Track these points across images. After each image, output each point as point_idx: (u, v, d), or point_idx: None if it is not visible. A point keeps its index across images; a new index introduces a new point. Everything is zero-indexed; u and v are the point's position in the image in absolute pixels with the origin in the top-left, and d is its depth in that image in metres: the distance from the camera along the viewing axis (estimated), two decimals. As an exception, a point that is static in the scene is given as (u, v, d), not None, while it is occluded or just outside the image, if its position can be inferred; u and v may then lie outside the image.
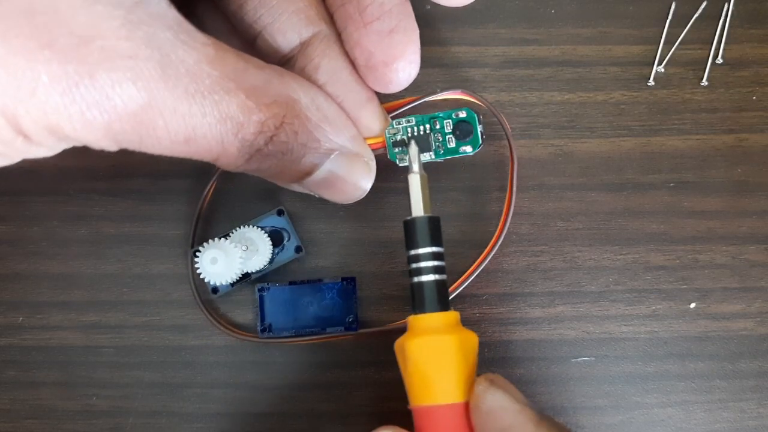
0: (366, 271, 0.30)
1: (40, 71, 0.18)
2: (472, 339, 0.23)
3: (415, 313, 0.24)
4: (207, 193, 0.29)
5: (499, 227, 0.28)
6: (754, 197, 0.30)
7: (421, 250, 0.24)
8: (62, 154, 0.30)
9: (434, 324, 0.23)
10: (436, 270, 0.24)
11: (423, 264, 0.24)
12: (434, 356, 0.23)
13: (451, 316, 0.24)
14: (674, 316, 0.30)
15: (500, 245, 0.30)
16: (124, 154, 0.30)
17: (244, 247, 0.28)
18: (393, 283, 0.30)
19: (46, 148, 0.20)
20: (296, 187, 0.25)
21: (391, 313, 0.29)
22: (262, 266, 0.28)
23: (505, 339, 0.29)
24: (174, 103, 0.19)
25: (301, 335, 0.29)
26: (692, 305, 0.30)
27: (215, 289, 0.29)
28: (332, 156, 0.23)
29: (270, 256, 0.28)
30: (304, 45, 0.24)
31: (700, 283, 0.30)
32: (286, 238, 0.29)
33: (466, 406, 0.22)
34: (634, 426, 0.29)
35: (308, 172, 0.23)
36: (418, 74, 0.30)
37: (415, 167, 0.24)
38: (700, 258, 0.30)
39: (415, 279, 0.24)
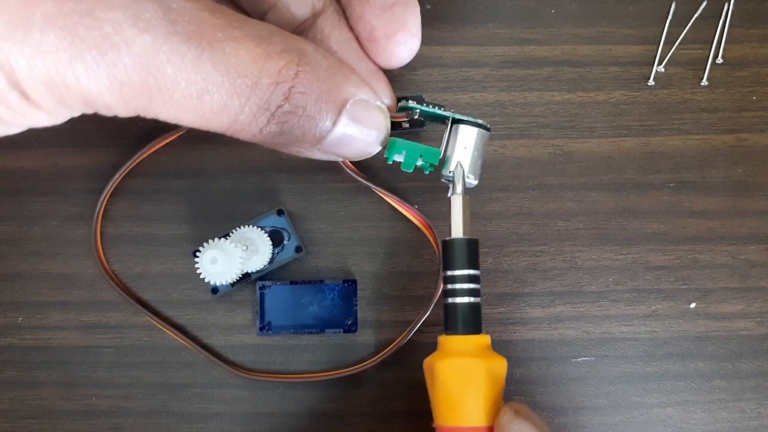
0: (365, 271, 0.30)
1: (34, 8, 0.16)
2: (501, 364, 0.24)
3: (447, 334, 0.24)
4: (107, 191, 0.29)
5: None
6: (754, 197, 0.30)
7: (458, 272, 0.24)
8: (62, 154, 0.31)
9: (464, 346, 0.23)
10: (470, 292, 0.24)
11: (458, 286, 0.24)
12: (462, 378, 0.23)
13: (482, 339, 0.24)
14: (674, 316, 0.30)
15: (500, 245, 0.30)
16: (123, 153, 0.30)
17: (244, 247, 0.28)
18: (392, 283, 0.30)
19: (46, 113, 0.19)
20: (318, 154, 0.23)
21: (389, 312, 0.29)
22: (262, 266, 0.28)
23: (505, 339, 0.29)
24: (180, 47, 0.18)
25: (300, 333, 0.29)
26: (692, 305, 0.30)
27: (215, 289, 0.29)
28: (348, 106, 0.22)
29: (270, 256, 0.28)
30: (315, 16, 0.25)
31: (700, 283, 0.30)
32: (286, 238, 0.29)
33: (490, 431, 0.22)
34: (634, 426, 0.29)
35: (328, 130, 0.22)
36: (418, 75, 0.31)
37: (459, 188, 0.24)
38: (700, 258, 0.30)
39: (449, 300, 0.24)
